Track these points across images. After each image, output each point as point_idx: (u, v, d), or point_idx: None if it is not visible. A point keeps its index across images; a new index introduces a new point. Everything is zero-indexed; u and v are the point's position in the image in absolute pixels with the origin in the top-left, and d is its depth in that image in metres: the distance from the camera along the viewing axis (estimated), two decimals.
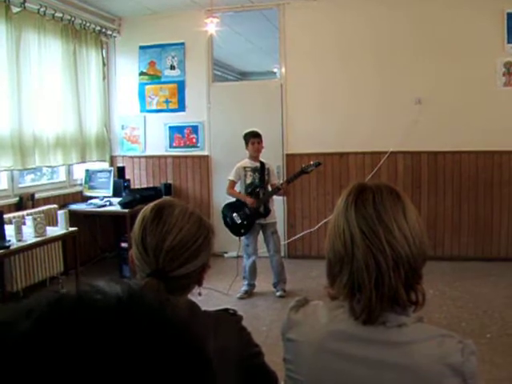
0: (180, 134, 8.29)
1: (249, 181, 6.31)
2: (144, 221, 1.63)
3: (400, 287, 1.41)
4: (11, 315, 0.52)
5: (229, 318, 1.71)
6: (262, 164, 6.32)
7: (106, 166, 8.19)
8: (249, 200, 6.19)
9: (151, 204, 1.70)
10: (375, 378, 1.43)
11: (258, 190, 6.24)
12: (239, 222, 6.23)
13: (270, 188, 6.33)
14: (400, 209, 1.47)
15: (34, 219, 5.42)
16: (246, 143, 6.29)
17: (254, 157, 6.30)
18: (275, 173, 6.71)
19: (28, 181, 7.07)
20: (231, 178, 6.34)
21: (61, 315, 0.51)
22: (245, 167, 6.32)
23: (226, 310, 1.74)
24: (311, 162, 6.27)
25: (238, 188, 6.40)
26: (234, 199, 6.37)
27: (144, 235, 1.60)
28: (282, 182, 6.52)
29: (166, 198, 1.69)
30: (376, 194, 1.48)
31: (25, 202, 6.48)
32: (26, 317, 0.50)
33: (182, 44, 8.15)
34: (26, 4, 6.25)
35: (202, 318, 1.63)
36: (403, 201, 1.50)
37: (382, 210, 1.45)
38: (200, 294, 1.75)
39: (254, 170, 6.30)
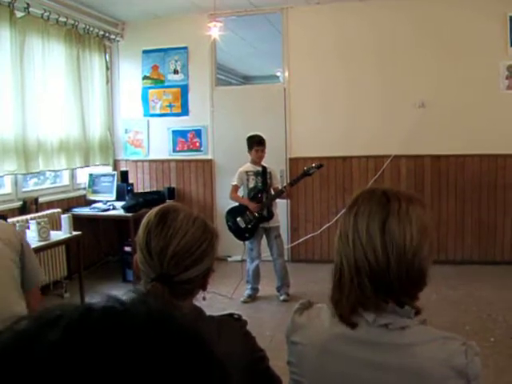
0: (183, 138, 8.30)
1: (251, 185, 6.32)
2: (148, 225, 1.63)
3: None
4: (36, 324, 0.51)
5: (233, 322, 1.71)
6: (264, 168, 6.33)
7: (109, 170, 8.20)
8: (252, 205, 6.19)
9: (156, 209, 1.70)
10: (379, 380, 1.43)
11: (260, 193, 6.25)
12: (243, 226, 6.23)
13: (272, 192, 6.34)
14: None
15: (38, 223, 5.43)
16: (250, 148, 6.30)
17: (256, 162, 6.31)
18: (278, 177, 6.71)
19: (31, 185, 7.08)
20: (234, 182, 6.35)
21: (90, 325, 0.51)
22: (247, 171, 6.33)
23: (231, 314, 1.74)
24: (313, 164, 6.28)
25: (241, 192, 6.41)
26: (236, 204, 6.37)
27: (148, 240, 1.60)
28: (285, 185, 6.52)
29: (170, 202, 1.70)
30: (400, 217, 1.48)
31: (28, 206, 6.49)
32: (53, 326, 0.50)
33: (185, 48, 8.17)
34: (30, 9, 6.26)
35: (207, 322, 1.63)
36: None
37: (408, 232, 1.45)
38: (204, 299, 1.76)
39: (256, 174, 6.31)
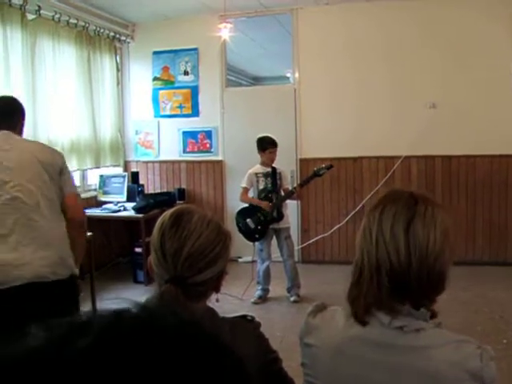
0: (194, 139, 8.31)
1: (261, 186, 6.31)
2: (163, 227, 1.64)
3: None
4: (65, 330, 0.51)
5: (246, 324, 1.71)
6: (274, 169, 6.31)
7: (120, 171, 8.23)
8: (264, 204, 6.19)
9: (170, 210, 1.71)
10: (393, 382, 1.43)
11: (271, 195, 6.24)
12: (253, 227, 6.23)
13: (282, 193, 6.33)
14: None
15: None
16: (263, 150, 6.26)
17: (267, 163, 6.30)
18: (288, 177, 6.70)
19: None
20: (244, 185, 6.34)
21: (122, 333, 0.50)
22: (256, 173, 6.32)
23: (244, 316, 1.74)
24: (323, 165, 6.27)
25: (250, 194, 6.40)
26: (246, 205, 6.37)
27: (163, 241, 1.61)
28: (295, 186, 6.51)
29: (184, 204, 1.70)
30: (425, 220, 1.48)
31: None
32: (83, 333, 0.49)
33: (196, 49, 8.18)
34: (41, 11, 6.30)
35: (221, 324, 1.63)
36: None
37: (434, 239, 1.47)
38: (217, 301, 1.76)
39: (265, 175, 6.30)
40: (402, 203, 1.49)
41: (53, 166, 3.26)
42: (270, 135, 6.33)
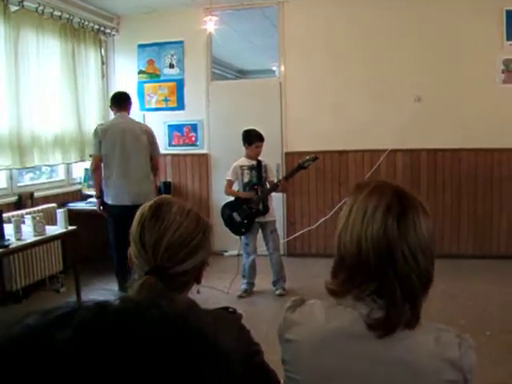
0: (179, 132, 8.29)
1: (246, 179, 6.28)
2: (142, 218, 1.63)
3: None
4: (45, 321, 0.50)
5: (228, 316, 1.71)
6: (259, 162, 6.29)
7: None
8: (249, 194, 6.18)
9: (149, 202, 1.70)
10: (373, 373, 1.43)
11: (256, 187, 6.22)
12: (239, 220, 6.22)
13: (268, 186, 6.31)
14: (426, 227, 1.50)
15: (33, 218, 5.40)
16: (249, 143, 6.23)
17: (253, 157, 6.28)
18: (273, 170, 6.69)
19: (27, 180, 7.06)
20: (229, 177, 6.32)
21: (103, 328, 0.49)
22: (241, 166, 6.29)
23: (226, 308, 1.73)
24: (308, 157, 6.22)
25: (235, 187, 6.38)
26: (232, 198, 6.35)
27: (142, 233, 1.60)
28: (280, 178, 6.50)
29: (163, 196, 1.70)
30: (415, 217, 1.47)
31: (24, 200, 6.48)
32: (63, 325, 0.48)
33: (181, 42, 8.15)
34: (24, 3, 6.23)
35: (203, 316, 1.62)
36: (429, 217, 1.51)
37: (422, 236, 1.48)
38: (199, 292, 1.75)
39: (250, 168, 6.27)
40: (390, 196, 1.49)
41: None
42: (256, 129, 6.31)
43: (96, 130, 6.06)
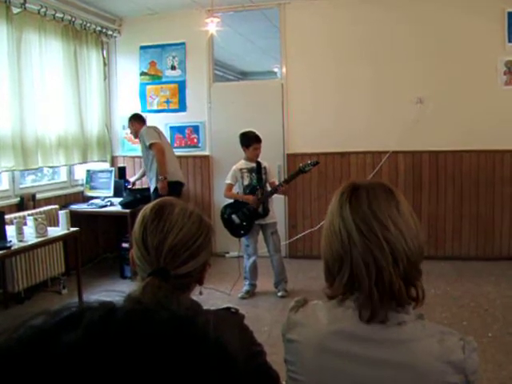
0: (181, 134, 8.29)
1: (246, 182, 6.27)
2: (144, 220, 1.63)
3: (400, 283, 1.41)
4: (53, 323, 0.50)
5: (231, 316, 1.71)
6: (259, 164, 6.27)
7: (106, 166, 8.19)
8: (249, 198, 6.17)
9: (151, 203, 1.70)
10: (376, 376, 1.43)
11: (256, 189, 6.21)
12: (238, 222, 6.21)
13: (268, 187, 6.30)
14: (394, 205, 1.49)
15: (35, 220, 5.41)
16: (247, 146, 6.21)
17: (252, 159, 6.27)
18: (274, 171, 6.68)
19: (29, 181, 7.06)
20: (228, 181, 6.30)
21: (112, 330, 0.49)
22: (241, 169, 6.27)
23: (228, 308, 1.73)
24: (309, 161, 6.20)
25: (236, 190, 6.36)
26: (232, 200, 6.34)
27: (145, 235, 1.60)
28: (281, 181, 6.48)
29: (165, 197, 1.71)
30: (369, 192, 1.50)
31: (26, 202, 6.48)
32: (72, 327, 0.48)
33: (183, 44, 8.15)
34: (27, 5, 6.25)
35: (207, 317, 1.62)
36: (396, 197, 1.52)
37: (377, 207, 1.47)
38: (201, 293, 1.75)
39: (250, 170, 6.25)
40: (345, 187, 1.55)
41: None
42: (253, 130, 6.27)
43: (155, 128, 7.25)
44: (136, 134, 7.20)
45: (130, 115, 7.38)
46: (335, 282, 1.50)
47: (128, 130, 7.59)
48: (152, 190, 6.98)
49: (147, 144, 6.87)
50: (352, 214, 1.46)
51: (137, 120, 7.23)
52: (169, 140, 8.18)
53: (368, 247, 1.42)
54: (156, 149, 6.82)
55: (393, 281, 1.40)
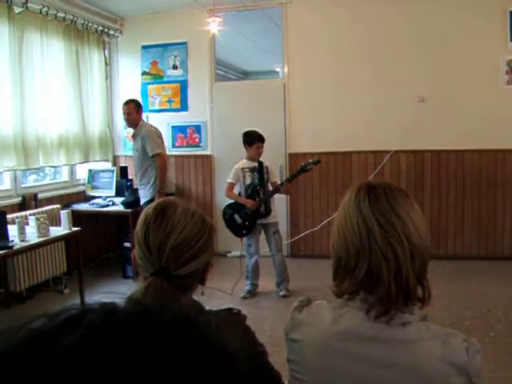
0: (183, 133, 8.29)
1: (248, 181, 6.26)
2: (147, 220, 1.63)
3: (414, 280, 1.42)
4: (53, 325, 0.49)
5: (233, 317, 1.70)
6: (260, 163, 6.27)
7: (108, 165, 8.19)
8: (248, 202, 6.16)
9: (153, 203, 1.70)
10: (379, 376, 1.42)
11: (258, 189, 6.20)
12: (240, 222, 6.21)
13: (270, 186, 6.30)
14: (409, 203, 1.50)
15: (37, 219, 5.41)
16: (250, 145, 6.21)
17: (254, 158, 6.27)
18: (276, 171, 6.67)
19: (31, 181, 7.06)
20: (230, 180, 6.30)
21: (112, 332, 0.48)
22: (243, 168, 6.26)
23: (230, 309, 1.73)
24: (310, 160, 6.19)
25: (237, 189, 6.36)
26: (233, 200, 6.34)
27: (147, 235, 1.60)
28: (283, 180, 6.47)
29: (168, 197, 1.71)
30: (386, 190, 1.51)
31: (28, 202, 6.49)
32: (71, 329, 0.48)
33: (185, 43, 8.15)
34: (28, 4, 6.24)
35: (209, 318, 1.62)
36: (410, 197, 1.53)
37: (396, 204, 1.48)
38: (203, 294, 1.75)
39: (252, 170, 6.24)
40: (360, 184, 1.57)
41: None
42: (256, 130, 6.28)
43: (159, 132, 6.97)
44: (131, 123, 6.82)
45: (128, 99, 6.94)
46: (347, 279, 1.50)
47: (130, 131, 7.56)
48: (146, 201, 6.56)
49: (151, 153, 6.58)
50: (371, 208, 1.47)
51: (137, 107, 6.83)
52: (169, 140, 8.20)
53: (388, 241, 1.42)
54: (161, 160, 6.60)
55: (409, 277, 1.40)
